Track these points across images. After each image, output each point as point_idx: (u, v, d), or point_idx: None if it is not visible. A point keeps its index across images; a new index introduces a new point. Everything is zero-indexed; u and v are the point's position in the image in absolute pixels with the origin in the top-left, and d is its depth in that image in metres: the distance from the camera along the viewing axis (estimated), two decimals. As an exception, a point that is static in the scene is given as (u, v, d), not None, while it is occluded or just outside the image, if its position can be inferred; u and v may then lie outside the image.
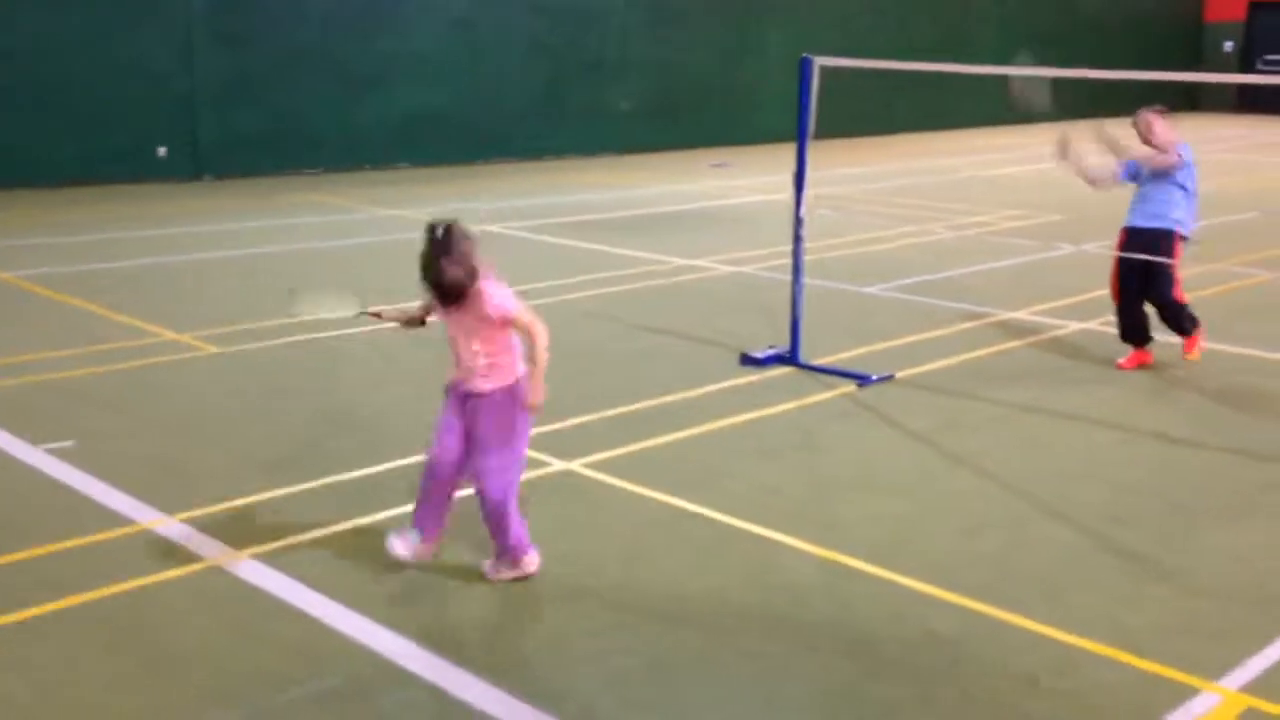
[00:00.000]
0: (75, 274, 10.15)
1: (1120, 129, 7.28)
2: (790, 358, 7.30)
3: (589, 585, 4.39)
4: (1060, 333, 8.22)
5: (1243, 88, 30.41)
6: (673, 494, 5.21)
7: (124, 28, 15.96)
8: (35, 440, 5.87)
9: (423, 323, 4.73)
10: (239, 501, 5.11)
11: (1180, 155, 7.13)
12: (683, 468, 5.58)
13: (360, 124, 18.16)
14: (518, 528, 4.38)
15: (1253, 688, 3.67)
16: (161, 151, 16.55)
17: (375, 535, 4.76)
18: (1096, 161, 7.38)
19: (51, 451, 5.72)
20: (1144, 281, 7.18)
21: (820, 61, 6.96)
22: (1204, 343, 7.36)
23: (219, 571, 4.46)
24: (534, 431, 5.91)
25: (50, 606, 4.17)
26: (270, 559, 4.54)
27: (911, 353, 7.61)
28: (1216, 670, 3.75)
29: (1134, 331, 7.32)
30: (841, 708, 3.60)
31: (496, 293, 4.34)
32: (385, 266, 10.59)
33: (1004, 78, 8.15)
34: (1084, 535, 4.83)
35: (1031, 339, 8.04)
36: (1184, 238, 7.19)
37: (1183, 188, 7.15)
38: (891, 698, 3.65)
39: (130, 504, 5.09)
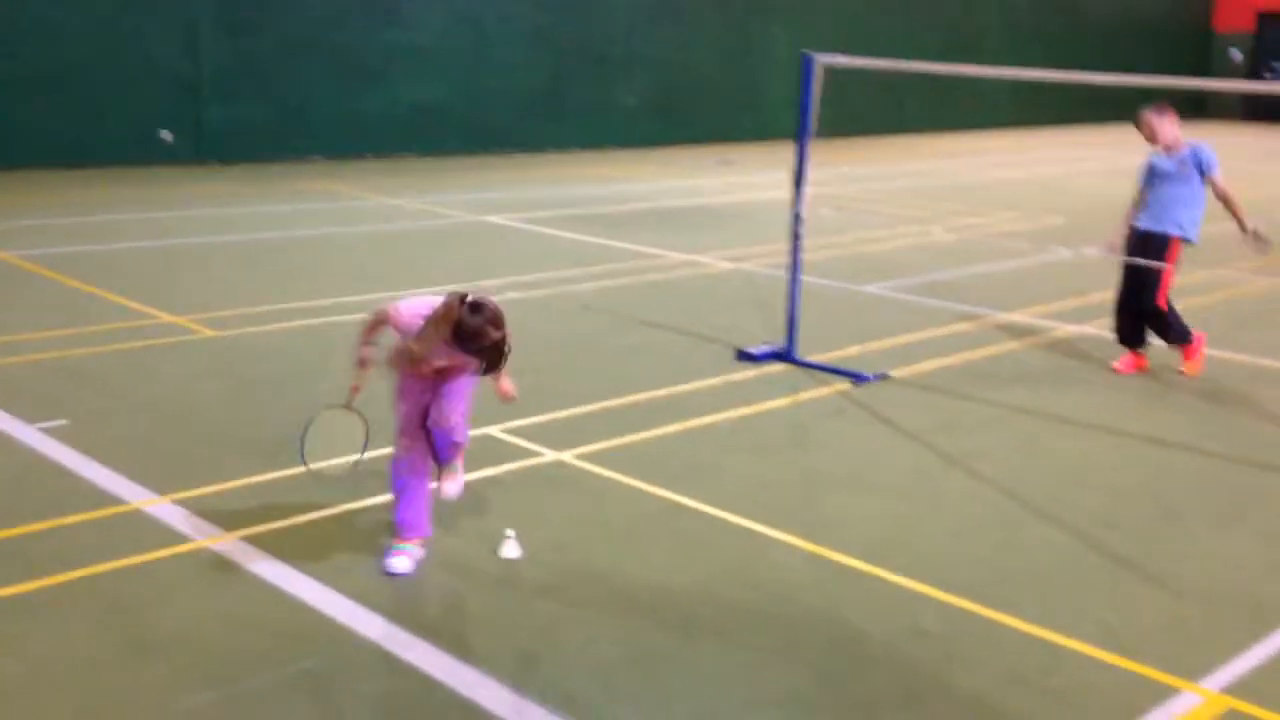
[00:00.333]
0: (73, 254, 10.16)
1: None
2: (786, 355, 7.30)
3: (577, 575, 4.39)
4: (1056, 335, 8.22)
5: (1249, 97, 30.41)
6: (664, 487, 5.21)
7: (131, 13, 15.97)
8: (29, 419, 5.88)
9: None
10: (230, 484, 5.12)
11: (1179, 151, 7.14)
12: (675, 461, 5.58)
13: (365, 113, 18.17)
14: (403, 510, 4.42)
15: (1234, 689, 3.67)
16: (167, 136, 16.57)
17: (363, 520, 4.77)
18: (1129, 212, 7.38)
19: (45, 430, 5.73)
20: (1137, 284, 7.18)
21: (822, 60, 6.95)
22: (1203, 354, 7.33)
23: (208, 553, 4.47)
24: (526, 421, 5.96)
25: (41, 583, 4.18)
26: (259, 541, 4.55)
27: (907, 352, 7.61)
28: (1199, 672, 3.76)
29: (1128, 333, 7.31)
30: (826, 703, 3.60)
31: None
32: (385, 255, 10.60)
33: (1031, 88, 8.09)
34: (1075, 538, 4.83)
35: (1028, 341, 8.04)
36: (1186, 241, 7.17)
37: (1190, 189, 7.12)
38: (876, 694, 3.65)
39: (122, 484, 5.10)
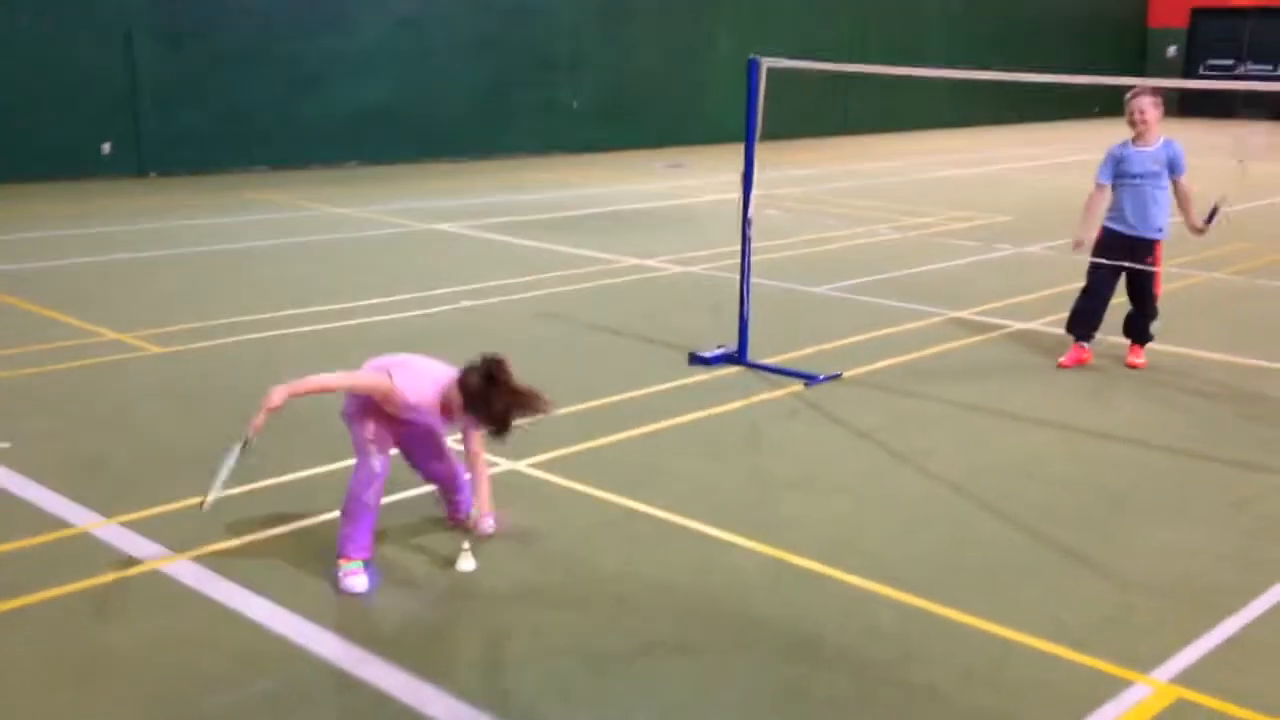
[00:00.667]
0: (13, 272, 9.98)
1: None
2: (739, 357, 7.33)
3: (533, 584, 4.39)
4: (1004, 332, 8.33)
5: (1185, 93, 30.99)
6: (619, 493, 5.22)
7: (64, 24, 15.70)
8: (-30, 442, 5.76)
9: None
10: (179, 504, 5.05)
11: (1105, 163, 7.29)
12: (630, 467, 5.59)
13: (307, 121, 18.01)
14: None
15: (1182, 679, 3.74)
16: (106, 148, 16.32)
17: (316, 538, 4.73)
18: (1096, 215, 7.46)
19: (-13, 453, 5.62)
20: (1136, 290, 7.35)
21: (768, 63, 6.99)
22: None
23: (158, 575, 4.41)
24: (479, 431, 5.92)
25: (-16, 611, 4.10)
26: (209, 562, 4.49)
27: (859, 352, 7.68)
28: (1149, 663, 3.83)
29: (1084, 328, 7.42)
30: (783, 705, 3.62)
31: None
32: (333, 265, 10.51)
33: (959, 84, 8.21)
34: (1024, 532, 4.90)
35: (976, 338, 8.14)
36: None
37: (1164, 188, 7.23)
38: (833, 694, 3.68)
39: (67, 507, 5.01)
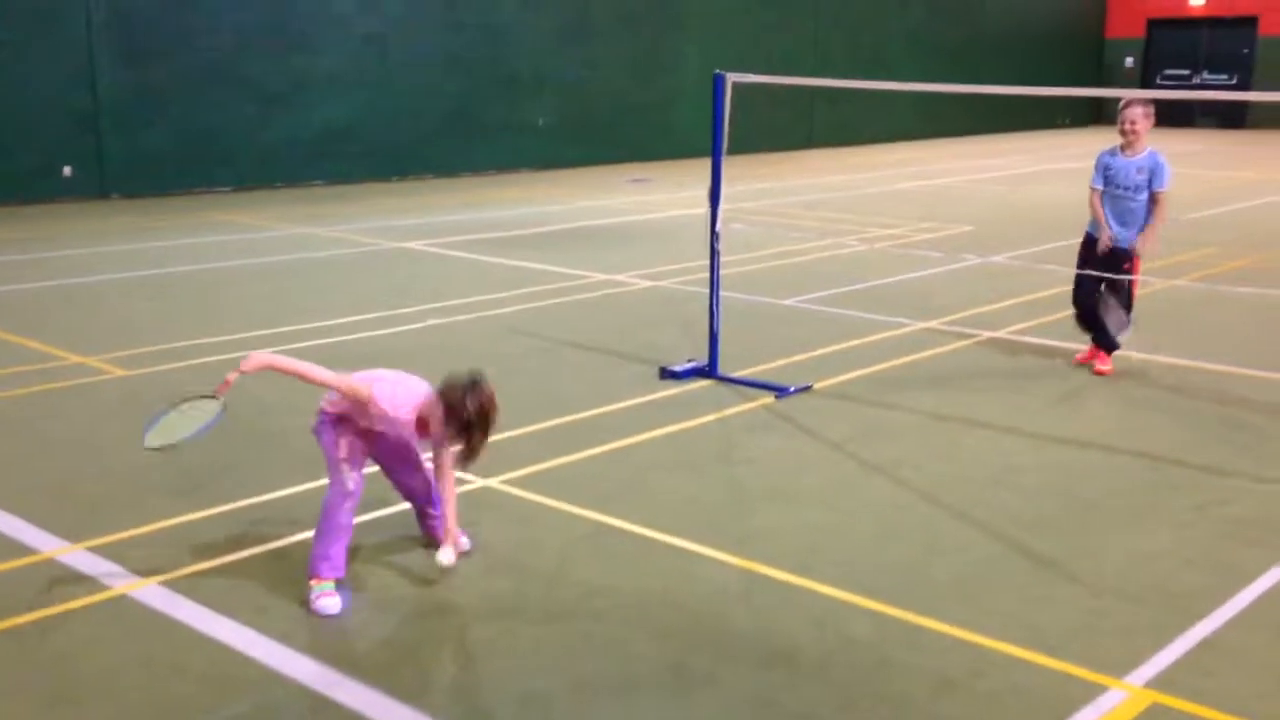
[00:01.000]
0: (-25, 297, 9.85)
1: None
2: (709, 371, 7.34)
3: (509, 602, 4.36)
4: (972, 342, 8.39)
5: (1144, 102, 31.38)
6: (593, 509, 5.20)
7: (23, 45, 15.54)
8: (-69, 469, 5.67)
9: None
10: (146, 528, 4.99)
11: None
12: (603, 482, 5.58)
13: (272, 141, 17.91)
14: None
15: (1156, 683, 3.77)
16: (66, 171, 16.16)
17: (286, 559, 4.68)
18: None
19: (-51, 481, 5.53)
20: (1107, 288, 7.47)
21: (733, 78, 7.02)
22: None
23: (126, 600, 4.35)
24: (452, 450, 5.90)
25: (-53, 641, 4.03)
26: (178, 586, 4.44)
27: (828, 363, 7.71)
28: (1122, 668, 3.85)
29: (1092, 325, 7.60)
30: (761, 717, 3.61)
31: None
32: (300, 285, 10.44)
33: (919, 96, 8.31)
34: (996, 540, 4.93)
35: (944, 348, 8.19)
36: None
37: (1145, 200, 7.32)
38: (811, 706, 3.68)
39: (32, 533, 4.94)
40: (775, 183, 18.86)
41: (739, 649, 4.02)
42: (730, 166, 7.39)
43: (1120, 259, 7.42)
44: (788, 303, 9.67)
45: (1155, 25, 33.10)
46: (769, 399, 6.90)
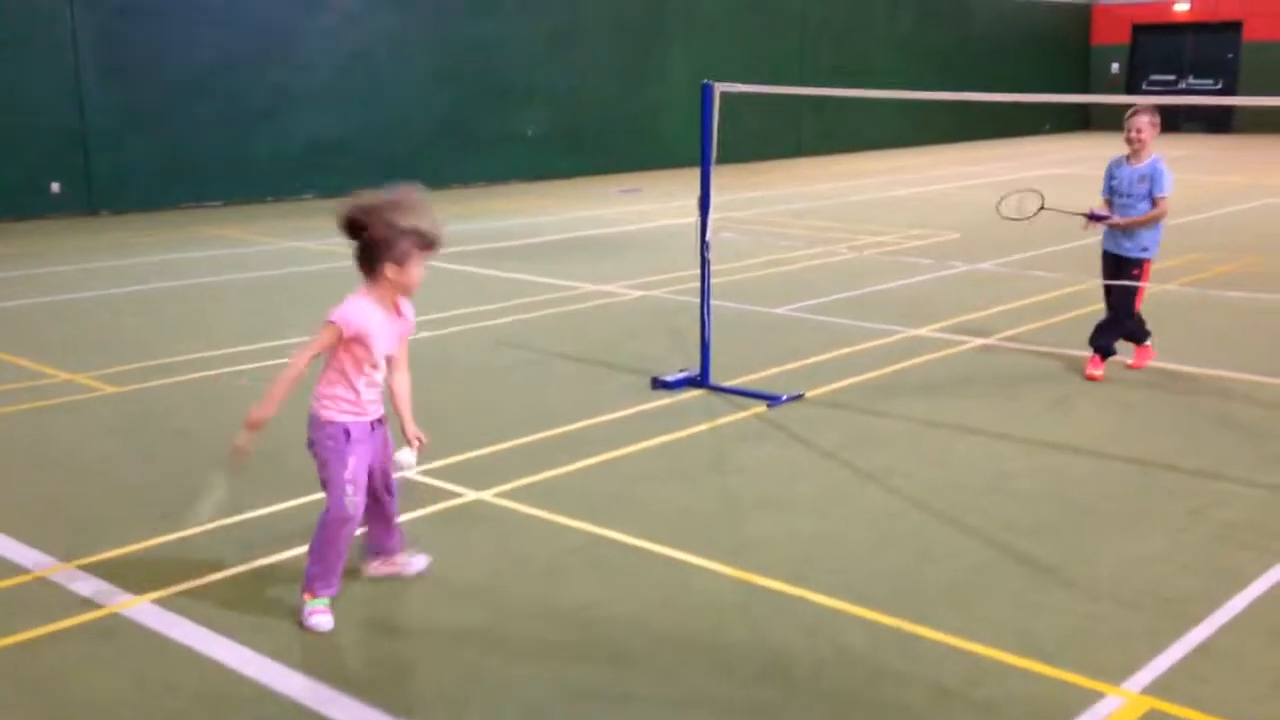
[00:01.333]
0: (-37, 315, 9.80)
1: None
2: (701, 380, 7.34)
3: (503, 616, 4.34)
4: (961, 349, 8.40)
5: (1130, 108, 31.54)
6: (586, 520, 5.19)
7: (10, 62, 15.50)
8: (-80, 489, 5.63)
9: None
10: (138, 546, 4.96)
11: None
12: (596, 493, 5.56)
13: (260, 156, 17.89)
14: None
15: (1153, 689, 3.77)
16: (54, 187, 16.11)
17: (279, 575, 4.66)
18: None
19: (-62, 500, 5.50)
20: (1110, 294, 7.59)
21: (721, 88, 7.03)
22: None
23: (117, 619, 4.32)
24: (445, 462, 5.90)
25: (-63, 663, 4.00)
26: (172, 604, 4.41)
27: (820, 372, 7.71)
28: (1119, 674, 3.85)
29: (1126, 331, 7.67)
30: (758, 728, 3.60)
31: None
32: (289, 300, 10.42)
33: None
34: (989, 546, 4.93)
35: (935, 355, 8.20)
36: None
37: (1147, 206, 7.36)
38: (807, 717, 3.66)
39: (22, 552, 4.90)
40: (764, 191, 18.88)
41: (734, 659, 4.00)
42: (719, 175, 7.40)
43: (1128, 267, 7.48)
44: (779, 311, 9.67)
45: (1140, 31, 33.27)
46: (761, 408, 6.90)
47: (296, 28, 18.04)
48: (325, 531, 4.25)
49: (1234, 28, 31.39)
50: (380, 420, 4.38)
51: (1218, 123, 31.34)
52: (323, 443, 4.26)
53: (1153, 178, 7.31)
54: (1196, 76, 32.22)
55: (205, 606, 4.38)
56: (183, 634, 4.18)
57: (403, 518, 5.12)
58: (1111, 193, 7.51)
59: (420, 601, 4.44)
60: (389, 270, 4.09)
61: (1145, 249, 7.45)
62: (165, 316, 9.79)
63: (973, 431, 6.48)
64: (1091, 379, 7.49)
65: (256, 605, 4.40)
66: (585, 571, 4.72)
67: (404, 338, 4.37)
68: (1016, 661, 3.94)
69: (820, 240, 13.51)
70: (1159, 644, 4.04)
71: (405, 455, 4.31)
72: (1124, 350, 7.91)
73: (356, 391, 4.24)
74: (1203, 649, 4.03)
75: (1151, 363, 7.80)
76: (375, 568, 4.58)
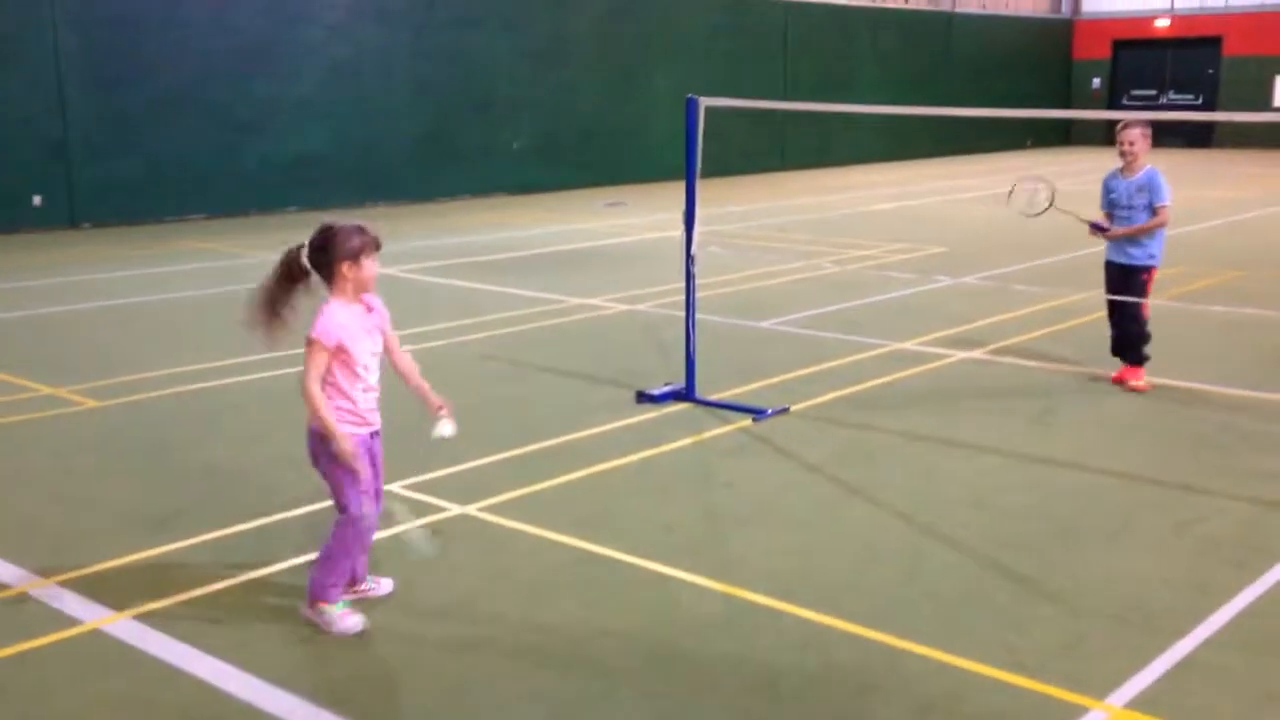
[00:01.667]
0: (-57, 328, 9.73)
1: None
2: (686, 394, 7.33)
3: (488, 632, 4.32)
4: (945, 362, 8.42)
5: (1112, 122, 31.80)
6: (572, 535, 5.18)
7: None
8: (-101, 504, 5.58)
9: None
10: (120, 561, 4.92)
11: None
12: (582, 508, 5.55)
13: (244, 168, 17.85)
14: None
15: (1138, 703, 3.77)
16: (36, 200, 16.03)
17: (263, 591, 4.63)
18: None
19: (-84, 516, 5.45)
20: (1120, 313, 7.64)
21: (706, 102, 7.05)
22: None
23: (99, 635, 4.28)
24: (429, 476, 5.88)
25: (-85, 681, 3.95)
26: (154, 620, 4.37)
27: (805, 385, 7.72)
28: (1104, 688, 3.85)
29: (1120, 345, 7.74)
30: (744, 745, 3.59)
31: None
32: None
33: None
34: (974, 560, 4.93)
35: (919, 369, 8.22)
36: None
37: (1146, 216, 7.45)
38: (793, 732, 3.66)
39: (3, 568, 4.86)
40: (749, 205, 18.93)
41: (721, 675, 3.99)
42: (704, 189, 7.41)
43: (1134, 277, 7.55)
44: (764, 325, 9.69)
45: (1121, 46, 33.53)
46: (746, 422, 6.90)
47: (280, 41, 18.04)
48: (339, 542, 4.30)
49: (1214, 43, 31.68)
50: (377, 433, 4.40)
51: (1198, 138, 31.60)
52: (328, 456, 4.27)
53: (1151, 188, 7.40)
54: (1177, 92, 32.48)
55: (186, 623, 4.35)
56: (163, 650, 4.14)
57: (388, 533, 5.10)
58: (1111, 206, 7.58)
59: (405, 617, 4.42)
60: (345, 268, 4.24)
61: (1152, 255, 7.55)
62: (148, 330, 9.74)
63: (958, 445, 6.50)
64: (1118, 382, 7.58)
65: (238, 621, 4.37)
66: (571, 586, 4.70)
67: (384, 328, 4.43)
68: (1002, 676, 3.94)
69: (805, 254, 13.54)
70: (1144, 658, 4.05)
71: (444, 428, 4.40)
72: (1111, 364, 7.95)
73: (354, 400, 4.29)
74: (1188, 663, 4.04)
75: (1136, 381, 7.82)
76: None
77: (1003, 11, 32.36)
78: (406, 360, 4.51)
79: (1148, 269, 7.56)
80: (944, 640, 4.18)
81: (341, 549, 4.30)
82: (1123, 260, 7.59)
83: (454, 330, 9.44)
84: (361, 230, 4.27)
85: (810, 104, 8.35)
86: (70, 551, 5.02)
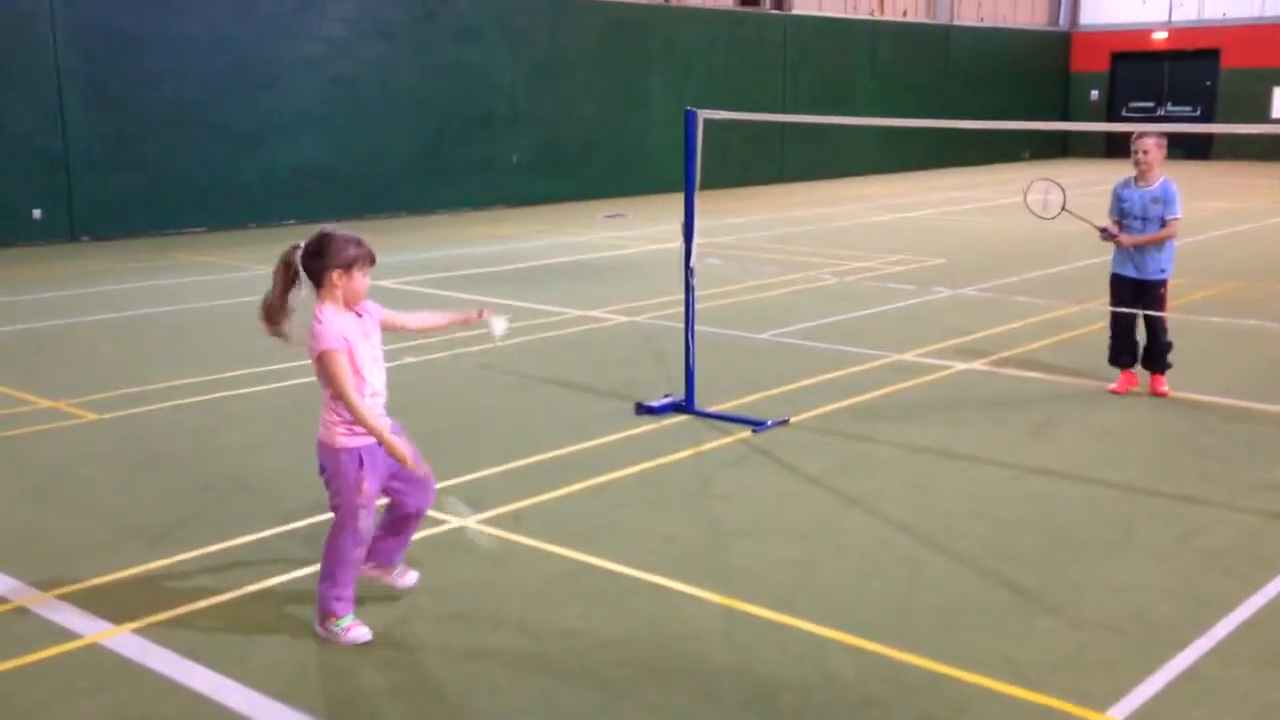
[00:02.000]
0: (-58, 341, 9.73)
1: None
2: (686, 406, 7.33)
3: (488, 643, 4.31)
4: (945, 374, 8.42)
5: (1110, 134, 31.88)
6: (571, 547, 5.17)
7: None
8: (-103, 518, 5.57)
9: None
10: (119, 574, 4.91)
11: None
12: (581, 520, 5.54)
13: (243, 182, 17.87)
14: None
15: (1138, 716, 3.76)
16: (36, 214, 16.05)
17: (263, 603, 4.62)
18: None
19: (-85, 529, 5.44)
20: (1148, 328, 7.66)
21: (705, 114, 7.07)
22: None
23: (98, 649, 4.27)
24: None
25: (-87, 695, 3.94)
26: (153, 633, 4.37)
27: (805, 397, 7.71)
28: (1106, 701, 3.84)
29: (1124, 356, 7.77)
30: (744, 757, 3.58)
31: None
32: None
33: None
34: (974, 572, 4.92)
35: (919, 380, 8.22)
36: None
37: (1158, 228, 7.49)
38: (794, 745, 3.64)
39: (2, 581, 4.85)
40: (748, 217, 18.95)
41: (720, 688, 3.98)
42: (703, 201, 7.42)
43: (1149, 291, 7.59)
44: (763, 336, 9.69)
45: (1119, 59, 33.60)
46: (746, 433, 6.89)
47: (280, 55, 18.08)
48: (338, 553, 4.31)
49: (1211, 55, 31.75)
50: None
51: (1197, 149, 31.65)
52: (336, 470, 4.29)
53: (1166, 199, 7.44)
54: (1175, 104, 32.55)
55: (185, 636, 4.34)
56: (163, 664, 4.13)
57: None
58: (1122, 215, 7.59)
59: (404, 629, 4.41)
60: (335, 275, 4.24)
61: (1163, 269, 7.58)
62: (148, 343, 9.74)
63: (958, 456, 6.49)
64: (1156, 394, 7.64)
65: (237, 634, 4.36)
66: (570, 599, 4.69)
67: (380, 322, 4.45)
68: (1002, 688, 3.93)
69: (804, 265, 13.55)
70: (1145, 670, 4.04)
71: (497, 326, 4.61)
72: (1109, 375, 7.95)
73: None
74: (1190, 675, 4.03)
75: (1134, 389, 7.82)
76: (367, 569, 4.58)
77: (1001, 24, 32.44)
78: (417, 316, 4.69)
79: (1162, 283, 7.60)
80: (944, 652, 4.17)
81: (341, 560, 4.30)
82: (1133, 275, 7.62)
83: (453, 342, 9.44)
84: (358, 242, 4.28)
85: (809, 116, 8.38)
86: (69, 564, 5.01)
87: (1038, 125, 7.63)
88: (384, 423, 4.30)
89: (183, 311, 11.11)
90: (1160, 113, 32.46)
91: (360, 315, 4.36)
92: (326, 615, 4.31)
